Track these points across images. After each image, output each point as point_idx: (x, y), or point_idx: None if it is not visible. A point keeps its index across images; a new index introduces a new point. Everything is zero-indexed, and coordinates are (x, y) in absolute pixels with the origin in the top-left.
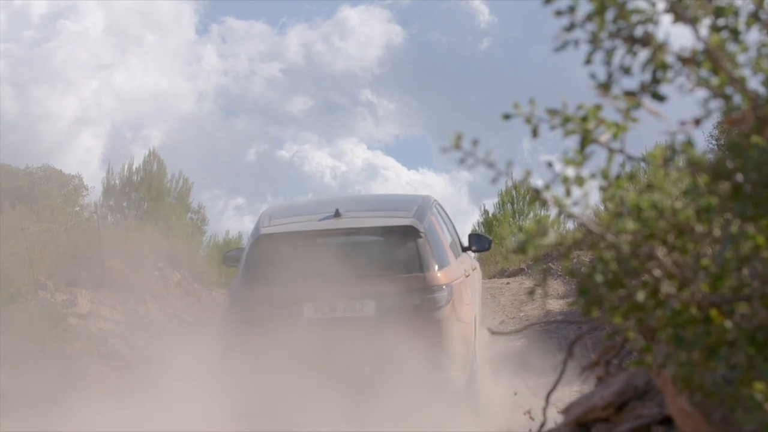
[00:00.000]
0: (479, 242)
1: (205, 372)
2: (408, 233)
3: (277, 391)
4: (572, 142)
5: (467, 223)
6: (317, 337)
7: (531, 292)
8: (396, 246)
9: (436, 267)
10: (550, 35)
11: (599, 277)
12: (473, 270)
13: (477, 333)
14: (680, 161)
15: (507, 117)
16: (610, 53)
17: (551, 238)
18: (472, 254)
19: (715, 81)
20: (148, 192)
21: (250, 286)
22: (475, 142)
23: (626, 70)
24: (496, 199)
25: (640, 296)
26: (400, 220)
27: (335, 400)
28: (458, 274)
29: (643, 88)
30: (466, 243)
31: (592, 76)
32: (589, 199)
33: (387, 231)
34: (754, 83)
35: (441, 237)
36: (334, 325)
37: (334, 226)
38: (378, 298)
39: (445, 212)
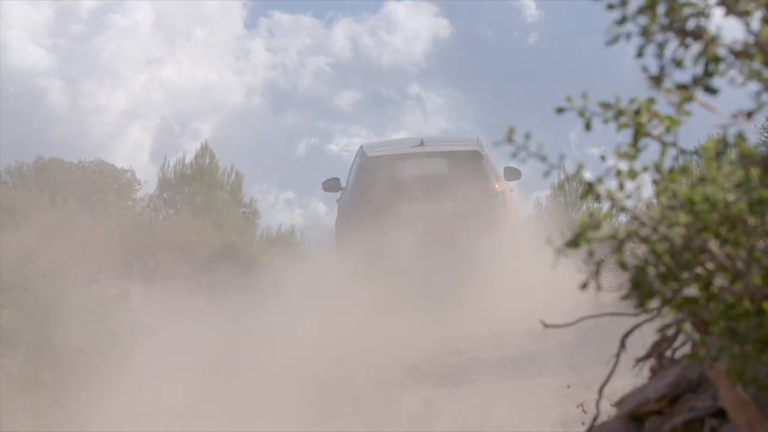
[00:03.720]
0: (512, 173)
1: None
2: (474, 156)
3: (382, 267)
4: (624, 136)
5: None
6: (411, 228)
7: (583, 286)
8: (466, 164)
9: (494, 180)
10: (596, 30)
11: (652, 270)
12: (512, 190)
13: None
14: (732, 154)
15: (560, 111)
16: (661, 46)
17: (604, 231)
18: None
19: (766, 74)
20: (201, 186)
21: (360, 193)
22: (527, 136)
23: (678, 63)
24: (547, 192)
25: (693, 289)
26: (468, 147)
27: (424, 269)
28: (507, 188)
29: (696, 81)
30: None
31: (644, 69)
32: (642, 193)
33: (459, 154)
34: None
35: (494, 161)
36: (422, 220)
37: (421, 150)
38: (454, 201)
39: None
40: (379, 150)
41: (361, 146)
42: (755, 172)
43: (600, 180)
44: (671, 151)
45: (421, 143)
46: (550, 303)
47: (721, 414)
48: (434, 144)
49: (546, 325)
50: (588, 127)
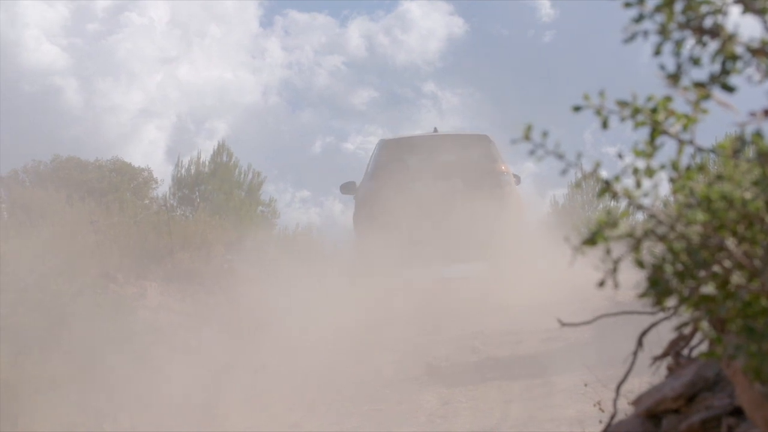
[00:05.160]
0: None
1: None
2: (483, 140)
3: (401, 235)
4: (641, 134)
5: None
6: (425, 201)
7: (601, 284)
8: (475, 147)
9: (500, 161)
10: (612, 28)
11: (669, 269)
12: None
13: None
14: (750, 152)
15: (577, 109)
16: (679, 44)
17: (621, 229)
18: None
19: None
20: (221, 185)
21: (380, 172)
22: (544, 134)
23: (695, 61)
24: (564, 191)
25: (710, 287)
26: (477, 132)
27: (437, 237)
28: (512, 173)
29: (713, 79)
30: None
31: (661, 67)
32: (659, 191)
33: (470, 137)
34: None
35: (500, 149)
36: (436, 195)
37: (434, 134)
38: (464, 178)
39: None
40: (394, 137)
41: (379, 139)
42: None
43: (617, 178)
44: (688, 149)
45: (435, 130)
46: (550, 270)
47: (738, 412)
48: (446, 131)
49: (563, 324)
50: (605, 125)
